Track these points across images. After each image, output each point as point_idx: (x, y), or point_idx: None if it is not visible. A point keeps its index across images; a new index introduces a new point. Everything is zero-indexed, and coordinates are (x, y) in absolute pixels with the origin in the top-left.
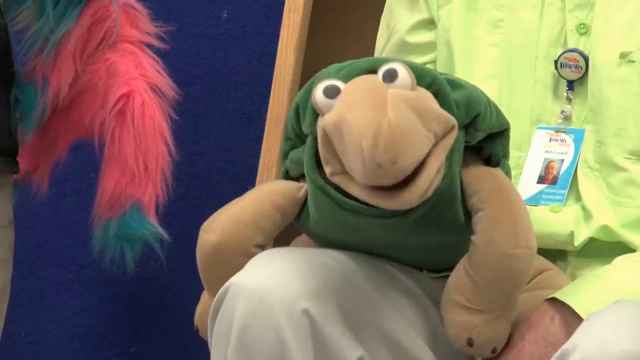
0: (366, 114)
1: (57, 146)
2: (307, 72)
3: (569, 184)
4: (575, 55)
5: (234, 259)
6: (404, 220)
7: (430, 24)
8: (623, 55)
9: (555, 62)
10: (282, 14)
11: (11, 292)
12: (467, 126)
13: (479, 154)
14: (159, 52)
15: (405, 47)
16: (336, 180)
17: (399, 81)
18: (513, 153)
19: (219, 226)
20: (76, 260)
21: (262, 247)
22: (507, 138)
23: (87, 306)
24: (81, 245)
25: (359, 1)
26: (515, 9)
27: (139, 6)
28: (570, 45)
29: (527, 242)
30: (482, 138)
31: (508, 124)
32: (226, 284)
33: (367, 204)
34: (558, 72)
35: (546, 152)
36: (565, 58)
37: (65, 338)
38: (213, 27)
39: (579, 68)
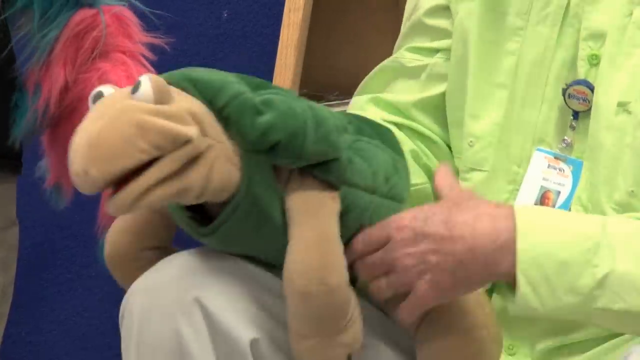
0: (87, 126)
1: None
2: (307, 72)
3: None
4: (584, 88)
5: (126, 266)
6: (218, 237)
7: (446, 10)
8: (621, 105)
9: (564, 90)
10: (282, 14)
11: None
12: (271, 152)
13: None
14: (158, 53)
15: (420, 27)
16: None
17: (139, 93)
18: (512, 168)
19: (108, 237)
20: (76, 260)
21: (155, 249)
22: (340, 166)
23: (87, 306)
24: (81, 245)
25: (358, 1)
26: (535, 22)
27: (131, 16)
28: (580, 74)
29: (321, 279)
30: (315, 163)
31: (335, 154)
32: (127, 293)
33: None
34: (565, 102)
35: (543, 179)
36: (574, 90)
37: (65, 338)
38: (213, 27)
39: (587, 101)
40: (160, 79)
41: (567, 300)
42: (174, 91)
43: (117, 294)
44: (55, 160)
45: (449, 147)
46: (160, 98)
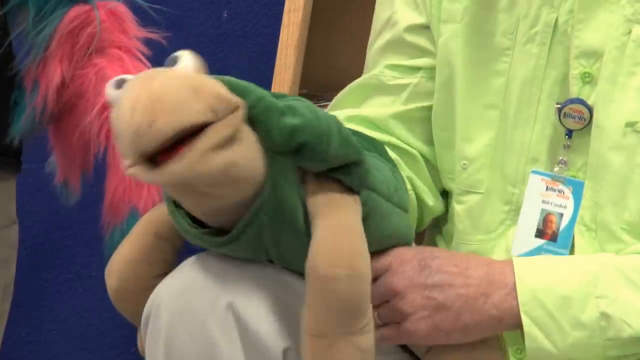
0: (134, 90)
1: (71, 151)
2: (307, 72)
3: (570, 244)
4: (580, 107)
5: (138, 297)
6: (239, 245)
7: (426, 29)
8: (629, 124)
9: (559, 110)
10: (282, 14)
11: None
12: (297, 154)
13: (339, 181)
14: (159, 52)
15: (399, 44)
16: (126, 174)
17: (181, 65)
18: (507, 189)
19: (115, 270)
20: (76, 260)
21: (165, 275)
22: (361, 169)
23: (87, 306)
24: (81, 245)
25: (358, 1)
26: (524, 41)
27: (126, 11)
28: (573, 92)
29: (349, 264)
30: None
31: (358, 157)
32: (151, 297)
33: (202, 228)
34: (560, 122)
35: (543, 202)
36: (569, 109)
37: (65, 338)
38: (213, 27)
39: (583, 119)
40: (195, 57)
41: (576, 335)
42: None
43: None
44: (60, 157)
45: (425, 160)
46: (200, 71)
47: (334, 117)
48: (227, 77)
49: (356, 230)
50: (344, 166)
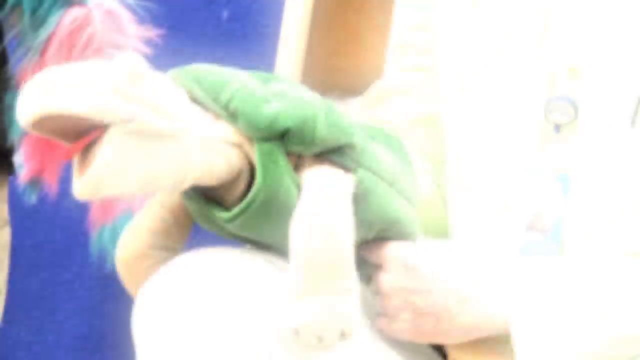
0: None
1: (57, 148)
2: (307, 72)
3: (560, 239)
4: (565, 103)
5: (136, 265)
6: (236, 225)
7: (427, 27)
8: (610, 122)
9: (545, 105)
10: (282, 14)
11: (11, 293)
12: (283, 140)
13: (334, 163)
14: (159, 52)
15: (405, 45)
16: None
17: (117, 60)
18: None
19: (122, 236)
20: (76, 260)
21: (166, 249)
22: (355, 150)
23: (87, 306)
24: (81, 245)
25: (358, 1)
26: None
27: (123, 11)
28: (560, 87)
29: (330, 222)
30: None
31: (349, 140)
32: (139, 293)
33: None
34: (546, 117)
35: (534, 197)
36: (554, 105)
37: (65, 338)
38: (213, 27)
39: (568, 115)
40: (138, 62)
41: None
42: (165, 85)
43: (117, 294)
44: (37, 155)
45: None
46: (132, 74)
47: (325, 101)
48: (206, 73)
49: (342, 199)
50: (337, 148)
